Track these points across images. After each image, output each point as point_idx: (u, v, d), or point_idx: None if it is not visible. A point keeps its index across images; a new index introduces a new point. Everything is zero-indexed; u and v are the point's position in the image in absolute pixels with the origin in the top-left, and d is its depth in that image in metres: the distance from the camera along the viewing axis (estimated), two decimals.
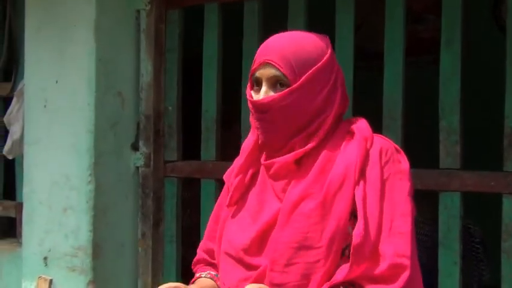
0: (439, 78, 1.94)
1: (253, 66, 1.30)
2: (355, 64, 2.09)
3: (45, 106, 2.54)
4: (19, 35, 2.90)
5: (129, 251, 2.53)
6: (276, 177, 1.30)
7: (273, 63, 1.25)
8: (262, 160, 1.34)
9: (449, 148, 1.90)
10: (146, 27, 2.52)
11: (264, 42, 1.30)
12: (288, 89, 1.25)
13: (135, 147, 2.55)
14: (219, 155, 2.39)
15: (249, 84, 1.33)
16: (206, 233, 1.48)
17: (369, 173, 1.24)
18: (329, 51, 1.29)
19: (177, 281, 1.49)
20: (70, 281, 2.45)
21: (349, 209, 1.23)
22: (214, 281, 1.42)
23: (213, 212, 1.48)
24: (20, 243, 2.77)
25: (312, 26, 2.20)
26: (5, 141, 2.96)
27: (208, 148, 2.40)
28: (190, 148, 2.57)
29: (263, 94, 1.27)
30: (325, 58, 1.27)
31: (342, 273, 1.19)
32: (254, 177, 1.36)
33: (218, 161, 2.37)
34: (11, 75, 3.01)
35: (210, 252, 1.46)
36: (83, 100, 2.43)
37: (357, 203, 1.22)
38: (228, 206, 1.37)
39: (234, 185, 1.35)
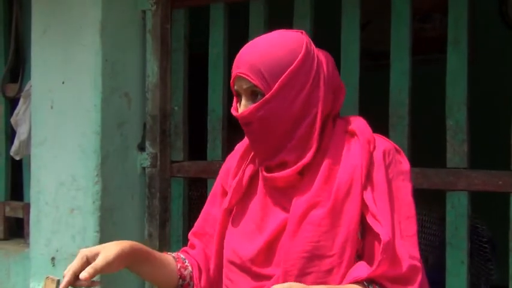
0: (445, 77, 1.93)
1: (231, 79, 1.29)
2: (361, 63, 2.09)
3: (51, 107, 2.55)
4: (26, 37, 2.90)
5: None
6: (279, 189, 1.29)
7: (244, 76, 1.24)
8: (260, 171, 1.32)
9: (457, 147, 1.89)
10: (152, 28, 2.52)
11: (238, 54, 1.28)
12: (262, 98, 1.24)
13: (141, 148, 2.55)
14: (226, 155, 2.39)
15: (235, 97, 1.32)
16: (194, 230, 1.48)
17: (375, 177, 1.24)
18: (303, 51, 1.24)
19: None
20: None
21: (359, 215, 1.22)
22: (176, 261, 1.41)
23: (203, 209, 1.48)
24: (27, 244, 2.78)
25: (317, 26, 2.21)
26: (12, 142, 2.97)
27: (215, 148, 2.40)
28: (196, 148, 2.58)
29: (242, 107, 1.27)
30: (297, 60, 1.23)
31: (364, 270, 1.19)
32: (253, 179, 1.34)
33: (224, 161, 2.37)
34: (18, 77, 3.01)
35: (196, 249, 1.45)
36: (89, 101, 2.43)
37: (369, 206, 1.21)
38: (227, 208, 1.36)
39: (233, 187, 1.34)
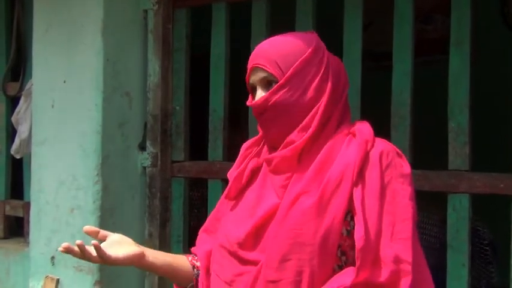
0: (447, 78, 1.93)
1: (247, 75, 1.36)
2: (363, 64, 2.08)
3: (52, 106, 2.55)
4: (27, 35, 2.90)
5: None
6: (276, 172, 1.32)
7: (260, 66, 1.32)
8: (264, 157, 1.37)
9: (458, 149, 1.88)
10: (154, 27, 2.52)
11: (253, 51, 1.37)
12: (276, 85, 1.30)
13: (142, 147, 2.55)
14: (227, 155, 2.39)
15: (250, 92, 1.39)
16: (204, 225, 1.51)
17: (368, 176, 1.24)
18: (313, 46, 1.34)
19: None
20: (77, 280, 2.45)
21: (345, 210, 1.23)
22: (186, 256, 1.47)
23: (215, 208, 1.51)
24: (27, 243, 2.78)
25: (320, 27, 2.21)
26: (12, 141, 2.97)
27: (216, 148, 2.40)
28: (197, 148, 2.57)
29: (258, 97, 1.33)
30: (307, 53, 1.32)
31: (349, 276, 1.19)
32: (255, 173, 1.38)
33: (225, 161, 2.36)
34: (19, 75, 3.01)
35: (201, 244, 1.49)
36: (90, 100, 2.43)
37: (355, 205, 1.22)
38: (226, 197, 1.40)
39: (233, 176, 1.38)
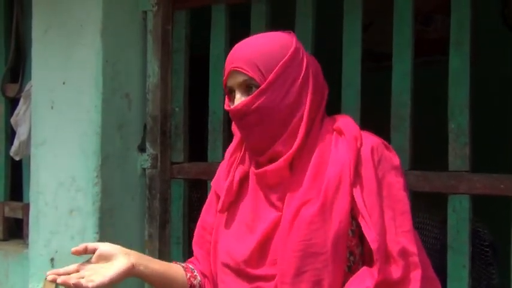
0: (447, 79, 1.93)
1: (224, 77, 1.31)
2: (363, 65, 2.08)
3: (52, 107, 2.54)
4: (26, 37, 2.90)
5: None
6: (270, 186, 1.29)
7: (240, 70, 1.27)
8: (252, 169, 1.33)
9: (458, 150, 1.88)
10: (153, 28, 2.52)
11: (230, 52, 1.32)
12: (257, 89, 1.26)
13: (141, 149, 2.54)
14: None
15: (227, 95, 1.34)
16: (194, 239, 1.48)
17: (363, 174, 1.24)
18: (293, 46, 1.29)
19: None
20: None
21: (348, 211, 1.23)
22: (185, 271, 1.42)
23: (200, 217, 1.48)
24: (26, 245, 2.77)
25: (319, 27, 2.20)
26: (12, 143, 2.96)
27: (215, 149, 2.39)
28: (197, 149, 2.57)
29: (237, 101, 1.28)
30: (288, 54, 1.27)
31: (367, 277, 1.19)
32: (244, 182, 1.35)
33: None
34: (18, 76, 3.01)
35: (198, 258, 1.46)
36: (89, 101, 2.42)
37: (359, 206, 1.22)
38: (220, 211, 1.36)
39: (225, 188, 1.34)
